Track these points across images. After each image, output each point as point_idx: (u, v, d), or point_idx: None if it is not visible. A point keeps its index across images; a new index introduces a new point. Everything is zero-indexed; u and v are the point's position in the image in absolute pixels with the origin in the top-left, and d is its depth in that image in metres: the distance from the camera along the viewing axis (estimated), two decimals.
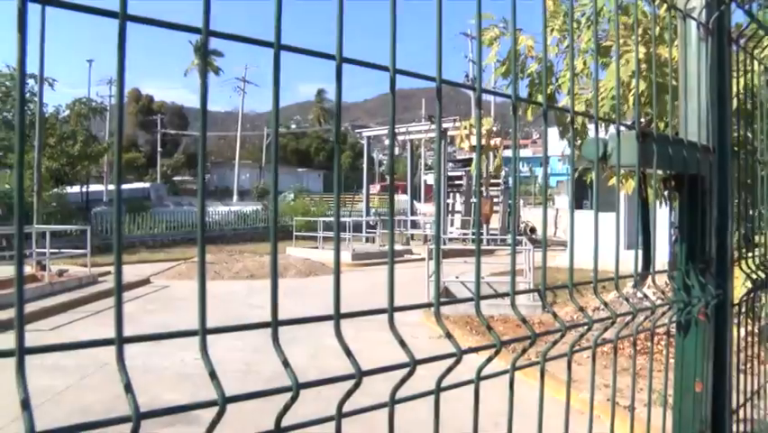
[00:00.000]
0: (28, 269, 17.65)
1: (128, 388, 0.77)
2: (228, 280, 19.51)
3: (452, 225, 33.05)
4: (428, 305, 1.17)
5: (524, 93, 8.36)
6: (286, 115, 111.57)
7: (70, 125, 39.45)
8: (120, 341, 0.78)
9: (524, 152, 52.34)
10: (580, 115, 1.77)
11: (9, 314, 12.70)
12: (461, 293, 13.76)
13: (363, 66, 1.05)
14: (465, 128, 27.87)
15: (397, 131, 34.34)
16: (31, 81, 38.00)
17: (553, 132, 8.87)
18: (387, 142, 36.77)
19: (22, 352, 0.75)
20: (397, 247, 27.36)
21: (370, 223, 31.26)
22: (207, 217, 37.33)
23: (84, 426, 0.74)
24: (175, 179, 73.70)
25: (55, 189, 34.75)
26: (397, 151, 38.69)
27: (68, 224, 24.62)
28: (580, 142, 7.64)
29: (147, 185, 58.19)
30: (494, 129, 29.49)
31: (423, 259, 14.45)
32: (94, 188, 50.86)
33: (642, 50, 6.57)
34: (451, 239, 26.60)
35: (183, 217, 35.48)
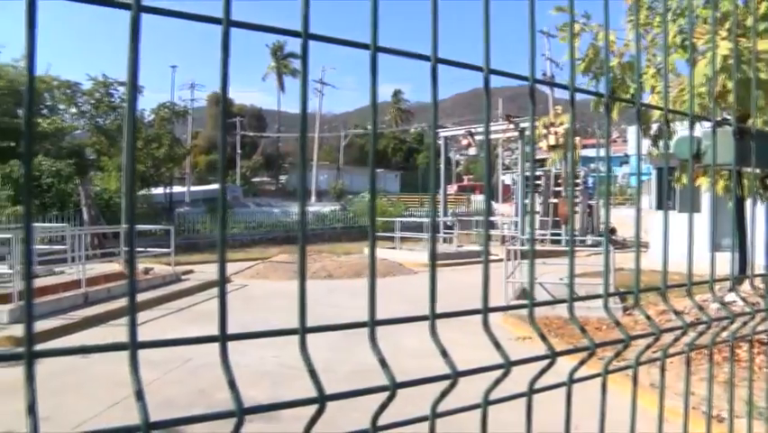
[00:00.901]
0: (116, 267, 18.28)
1: (232, 385, 0.77)
2: (306, 279, 19.73)
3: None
4: (522, 306, 1.13)
5: (603, 90, 8.14)
6: (362, 116, 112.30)
7: (155, 129, 40.70)
8: (224, 338, 0.78)
9: (603, 151, 50.92)
10: (673, 112, 1.68)
11: (103, 308, 13.21)
12: (540, 294, 13.57)
13: (457, 66, 1.03)
14: (544, 127, 27.46)
15: (473, 130, 34.14)
16: (121, 88, 39.55)
17: (633, 128, 8.63)
18: (463, 142, 36.56)
19: (134, 346, 0.76)
20: (474, 248, 27.17)
21: (448, 223, 31.10)
22: (287, 218, 37.91)
23: (191, 419, 0.74)
24: (254, 180, 75.06)
25: (142, 191, 35.93)
26: (474, 151, 38.38)
27: (153, 224, 25.35)
28: (663, 141, 7.42)
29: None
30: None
31: (500, 260, 14.27)
32: (177, 189, 52.32)
33: (728, 44, 6.33)
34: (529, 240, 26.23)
35: (262, 218, 36.12)
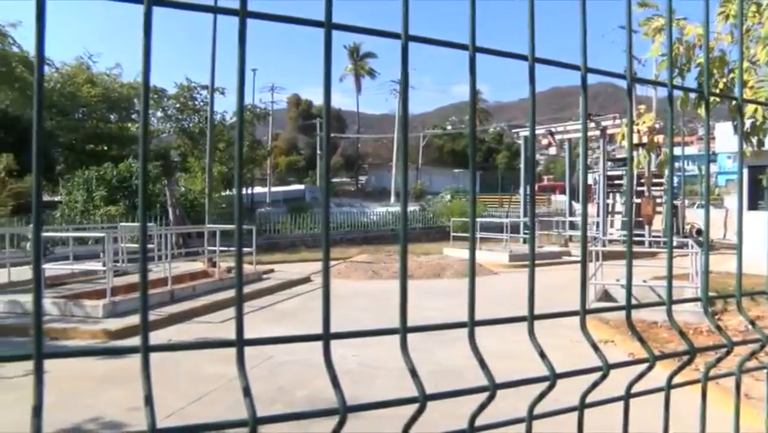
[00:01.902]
0: (200, 265, 18.78)
1: (335, 382, 0.78)
2: (386, 279, 19.81)
3: (611, 226, 31.89)
4: (620, 308, 1.11)
5: (692, 85, 7.89)
6: (441, 116, 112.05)
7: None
8: (327, 337, 0.79)
9: (689, 150, 49.60)
10: None
11: (188, 305, 13.59)
12: (620, 297, 13.25)
13: (554, 65, 1.02)
14: (626, 125, 26.75)
15: (554, 129, 33.60)
16: (204, 92, 40.63)
17: (722, 126, 8.32)
18: (543, 141, 35.99)
19: (241, 343, 0.78)
20: (555, 249, 26.77)
21: (528, 224, 30.67)
22: (365, 218, 38.15)
23: (294, 415, 0.76)
24: (333, 180, 75.86)
25: (224, 192, 36.79)
26: (554, 150, 37.75)
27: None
28: (757, 138, 7.11)
29: (302, 187, 60.35)
30: (656, 125, 28.07)
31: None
32: (258, 189, 53.37)
33: None
34: (611, 241, 25.68)
35: (342, 218, 36.44)
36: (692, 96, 5.32)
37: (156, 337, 11.33)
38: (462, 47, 0.92)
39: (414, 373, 0.81)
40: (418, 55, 42.10)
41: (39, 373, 0.74)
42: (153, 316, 12.58)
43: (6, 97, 38.67)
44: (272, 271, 19.97)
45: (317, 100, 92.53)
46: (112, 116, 46.23)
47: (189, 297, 14.67)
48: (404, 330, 0.82)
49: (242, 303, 0.76)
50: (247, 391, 0.72)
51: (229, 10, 0.79)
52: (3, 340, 10.91)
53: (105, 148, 41.17)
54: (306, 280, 18.96)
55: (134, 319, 12.09)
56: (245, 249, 14.84)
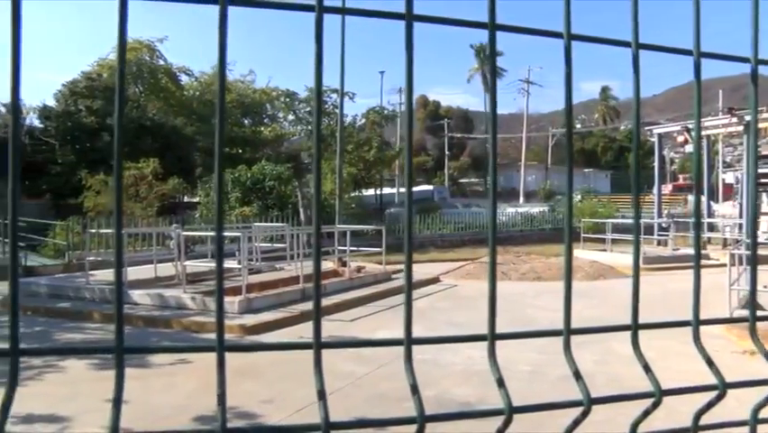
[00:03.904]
0: (330, 265, 19.20)
1: (500, 383, 0.78)
2: (515, 281, 19.56)
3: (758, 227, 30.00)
4: (742, 319, 1.02)
5: None
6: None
7: (366, 133, 42.32)
8: (492, 337, 0.80)
9: None
10: None
11: (321, 303, 13.92)
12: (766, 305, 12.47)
13: (662, 51, 0.99)
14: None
15: (690, 126, 32.05)
16: (334, 95, 41.57)
17: None
18: (679, 139, 34.40)
19: (318, 346, 0.79)
20: (689, 252, 25.53)
21: (662, 225, 29.44)
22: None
23: (461, 415, 0.76)
24: (461, 180, 75.66)
25: (353, 192, 37.47)
26: (690, 147, 35.98)
27: (364, 224, 26.29)
28: None
29: (431, 187, 60.47)
30: None
31: (722, 265, 13.30)
32: (386, 190, 53.96)
33: None
34: (759, 243, 24.19)
35: (471, 218, 36.28)
36: None
37: (288, 334, 11.71)
38: (557, 35, 0.89)
39: (577, 375, 0.80)
40: (544, 52, 41.26)
41: (120, 366, 0.78)
42: (286, 313, 13.00)
43: (153, 107, 41.00)
44: (401, 270, 20.11)
45: (445, 101, 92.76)
46: (245, 121, 48.16)
47: (321, 295, 15.01)
48: (492, 337, 0.81)
49: (319, 307, 0.78)
50: (415, 389, 0.73)
51: (330, 9, 0.81)
52: (152, 331, 11.58)
53: (240, 151, 42.86)
54: (435, 280, 18.99)
55: (268, 316, 12.54)
56: (375, 249, 15.12)
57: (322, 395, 0.73)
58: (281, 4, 0.81)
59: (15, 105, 0.77)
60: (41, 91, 75.05)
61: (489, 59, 75.52)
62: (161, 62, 45.13)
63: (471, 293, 16.50)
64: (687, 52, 0.93)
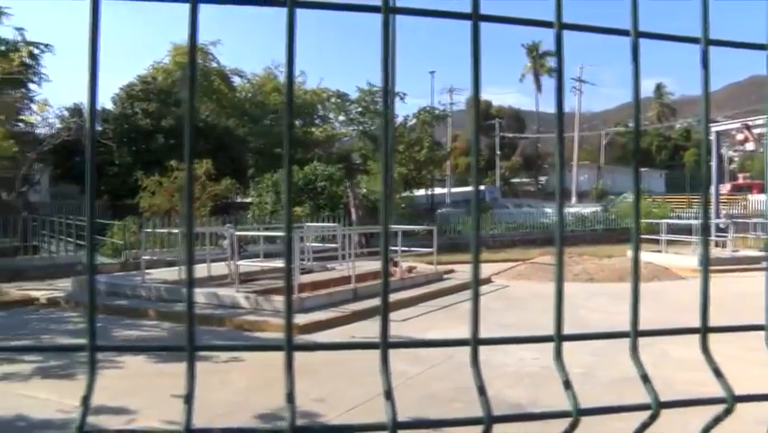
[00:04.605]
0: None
1: (567, 384, 0.77)
2: (569, 281, 19.30)
3: None
4: (753, 327, 0.98)
5: None
6: (623, 113, 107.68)
7: (417, 133, 42.30)
8: (559, 339, 0.80)
9: None
10: None
11: (370, 303, 13.98)
12: None
13: (734, 46, 0.96)
14: None
15: (750, 123, 31.25)
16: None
17: None
18: (738, 137, 33.57)
19: (386, 345, 0.79)
20: (752, 253, 24.93)
21: (720, 226, 28.77)
22: (545, 219, 37.47)
23: (528, 416, 0.76)
24: (513, 180, 75.10)
25: (404, 193, 37.50)
26: (752, 146, 35.08)
27: (415, 224, 26.28)
28: None
29: (482, 187, 60.03)
30: None
31: None
32: (438, 190, 53.84)
33: None
34: None
35: (522, 219, 36.00)
36: None
37: (340, 333, 11.78)
38: (624, 33, 0.87)
39: (645, 379, 0.78)
40: (596, 49, 40.73)
41: (191, 364, 0.79)
42: (337, 312, 13.07)
43: (206, 108, 41.68)
44: (453, 271, 20.06)
45: (496, 100, 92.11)
46: (297, 122, 48.58)
47: (372, 295, 15.06)
48: (559, 338, 0.80)
49: (387, 306, 0.78)
50: (482, 390, 0.73)
51: (398, 9, 0.81)
52: (206, 329, 11.77)
53: (292, 152, 43.25)
54: (487, 281, 18.88)
55: (319, 315, 12.62)
56: (426, 249, 15.13)
57: (389, 395, 0.74)
58: (347, 5, 0.82)
59: (92, 115, 0.79)
60: (99, 94, 76.96)
61: (538, 59, 74.37)
62: (214, 65, 45.86)
63: (523, 294, 16.38)
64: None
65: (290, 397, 0.74)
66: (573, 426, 0.74)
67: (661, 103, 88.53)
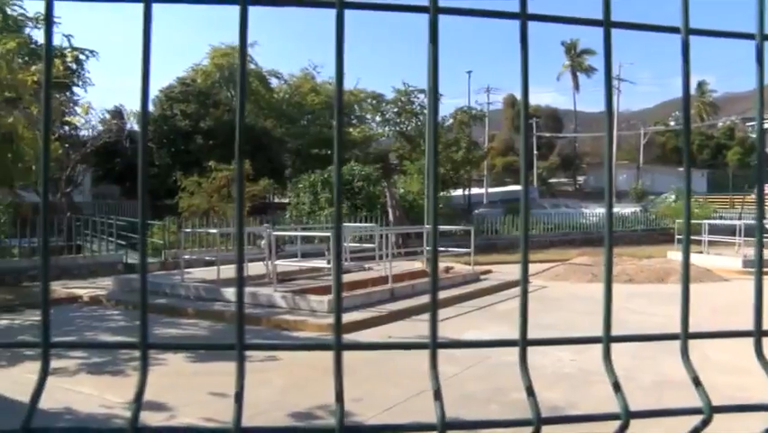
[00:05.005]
0: (418, 265, 19.23)
1: (617, 386, 0.76)
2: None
3: None
4: None
5: None
6: (663, 112, 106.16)
7: (454, 133, 42.22)
8: (608, 340, 0.78)
9: None
10: None
11: (408, 303, 13.99)
12: None
13: None
14: None
15: None
16: (421, 95, 41.73)
17: None
18: None
19: (434, 346, 0.79)
20: None
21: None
22: (584, 219, 37.10)
23: (577, 418, 0.75)
24: (550, 181, 74.52)
25: (442, 193, 37.42)
26: None
27: (452, 224, 26.22)
28: None
29: (519, 187, 59.65)
30: None
31: None
32: (475, 190, 53.67)
33: None
34: None
35: (560, 219, 35.67)
36: None
37: (376, 333, 11.79)
38: (673, 30, 0.84)
39: (617, 387, 0.77)
40: (634, 49, 40.26)
41: (241, 363, 0.79)
42: (374, 312, 13.10)
43: (245, 109, 42.07)
44: (490, 271, 19.99)
45: (533, 99, 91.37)
46: (334, 122, 48.79)
47: (408, 295, 15.06)
48: (607, 339, 0.79)
49: (436, 307, 0.78)
50: (530, 391, 0.73)
51: (446, 9, 0.80)
52: (245, 327, 11.86)
53: (329, 152, 43.46)
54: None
55: (357, 315, 12.65)
56: (463, 249, 15.07)
57: (438, 395, 0.74)
58: (396, 6, 0.82)
59: (144, 122, 0.80)
60: (145, 97, 78.24)
61: (576, 57, 73.31)
62: (252, 66, 46.25)
63: (560, 295, 16.24)
64: (747, 36, 0.85)
65: (339, 396, 0.74)
66: (623, 428, 0.73)
67: (703, 101, 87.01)
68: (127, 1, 0.80)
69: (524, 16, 0.78)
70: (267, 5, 0.83)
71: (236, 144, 0.79)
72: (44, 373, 0.77)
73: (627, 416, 0.73)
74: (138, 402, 0.77)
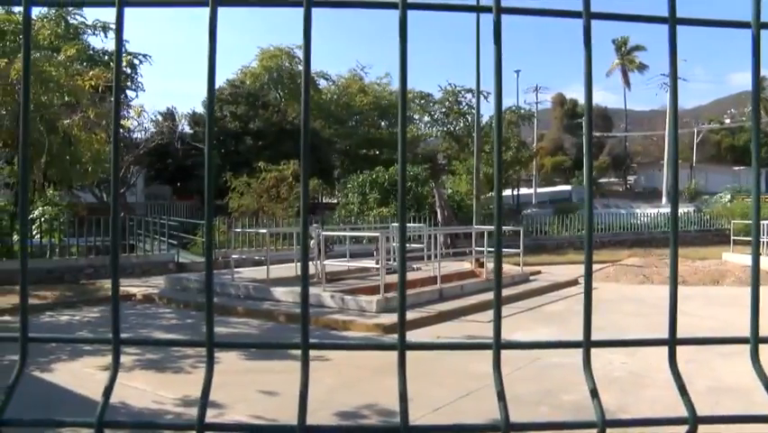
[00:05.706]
0: (467, 265, 19.16)
1: (683, 390, 0.75)
2: (657, 284, 18.77)
3: None
4: None
5: None
6: (718, 109, 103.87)
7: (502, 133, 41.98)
8: (673, 342, 0.77)
9: None
10: None
11: (456, 304, 13.95)
12: None
13: None
14: None
15: None
16: (468, 95, 41.58)
17: None
18: None
19: (498, 346, 0.78)
20: None
21: None
22: (635, 219, 36.52)
23: (643, 421, 0.74)
24: (600, 180, 73.54)
25: (490, 193, 37.22)
26: None
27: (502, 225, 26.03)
28: None
29: (569, 187, 59.04)
30: None
31: None
32: (524, 191, 53.25)
33: None
34: None
35: (610, 219, 35.16)
36: None
37: (425, 333, 11.77)
38: (743, 25, 0.82)
39: (683, 391, 0.75)
40: (687, 44, 39.43)
41: (305, 362, 0.80)
42: (423, 313, 13.08)
43: (293, 111, 42.45)
44: (539, 272, 19.82)
45: (581, 98, 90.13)
46: (382, 123, 48.89)
47: (457, 296, 15.02)
48: (673, 342, 0.77)
49: (499, 309, 0.77)
50: (594, 393, 0.72)
51: (507, 9, 0.80)
52: (293, 327, 11.97)
53: (377, 153, 43.60)
54: (574, 282, 18.53)
55: (406, 315, 12.63)
56: (512, 250, 14.94)
57: (501, 396, 0.74)
58: (457, 6, 0.83)
59: (210, 125, 0.82)
60: (191, 99, 79.59)
61: (626, 54, 72.10)
62: (300, 68, 46.60)
63: (611, 296, 16.00)
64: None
65: (403, 396, 0.75)
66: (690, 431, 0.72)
67: (763, 97, 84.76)
68: (194, 5, 0.82)
69: (587, 15, 0.78)
70: (330, 7, 0.84)
71: (301, 161, 0.81)
72: (115, 368, 0.79)
73: (695, 421, 0.72)
74: (204, 399, 0.79)
